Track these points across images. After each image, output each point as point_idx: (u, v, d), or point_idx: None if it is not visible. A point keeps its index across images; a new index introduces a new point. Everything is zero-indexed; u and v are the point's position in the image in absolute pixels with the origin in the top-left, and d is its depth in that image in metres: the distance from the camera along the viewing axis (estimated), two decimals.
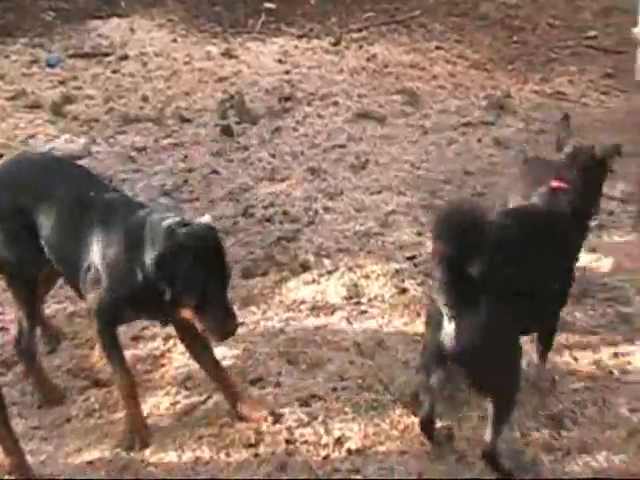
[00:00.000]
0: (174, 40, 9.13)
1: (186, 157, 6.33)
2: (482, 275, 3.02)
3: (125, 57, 8.58)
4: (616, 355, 4.11)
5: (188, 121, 7.01)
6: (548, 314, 3.77)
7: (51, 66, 8.32)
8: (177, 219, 3.42)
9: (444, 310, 3.08)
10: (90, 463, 3.46)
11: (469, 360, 3.17)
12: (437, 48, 8.99)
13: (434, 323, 3.18)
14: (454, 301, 3.05)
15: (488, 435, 3.30)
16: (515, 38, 9.48)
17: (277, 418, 3.63)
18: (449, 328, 3.10)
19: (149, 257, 3.35)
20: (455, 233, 3.01)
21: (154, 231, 3.39)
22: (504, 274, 3.13)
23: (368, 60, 8.52)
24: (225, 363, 3.99)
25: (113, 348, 3.60)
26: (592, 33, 9.55)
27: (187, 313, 3.38)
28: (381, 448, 3.50)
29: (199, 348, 3.72)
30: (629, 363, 4.07)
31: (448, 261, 3.00)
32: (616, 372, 4.00)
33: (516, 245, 3.35)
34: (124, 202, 3.71)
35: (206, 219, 3.53)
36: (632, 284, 4.68)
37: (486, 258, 3.01)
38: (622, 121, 6.91)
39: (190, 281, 3.29)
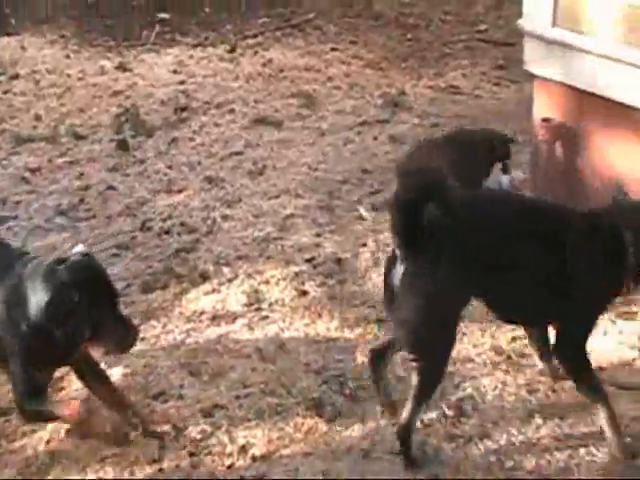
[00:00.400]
0: (67, 56, 8.99)
1: (82, 175, 6.24)
2: (431, 222, 3.06)
3: (16, 76, 8.41)
4: (514, 339, 4.20)
5: (83, 138, 6.91)
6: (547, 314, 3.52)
7: None
8: (52, 259, 3.46)
9: (397, 252, 3.14)
10: None
11: (400, 308, 3.19)
12: (332, 50, 9.06)
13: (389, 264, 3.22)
14: (404, 244, 3.10)
15: (406, 410, 3.33)
16: (409, 36, 9.62)
17: (180, 432, 3.60)
18: (398, 269, 3.15)
19: (36, 309, 3.34)
20: (414, 178, 3.13)
21: (33, 282, 3.39)
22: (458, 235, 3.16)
23: (264, 65, 8.54)
24: (126, 380, 3.97)
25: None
26: (483, 27, 9.78)
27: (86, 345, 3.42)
28: (285, 451, 3.51)
29: (96, 379, 3.69)
30: (526, 346, 4.16)
31: (403, 204, 3.07)
32: (514, 356, 4.09)
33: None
34: None
35: (79, 248, 3.58)
36: None
37: (439, 204, 3.06)
38: (513, 111, 7.05)
39: (83, 315, 3.32)
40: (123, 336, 3.46)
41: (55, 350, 3.46)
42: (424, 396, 3.36)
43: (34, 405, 3.54)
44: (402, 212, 3.08)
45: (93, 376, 3.69)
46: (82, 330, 3.37)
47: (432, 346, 3.30)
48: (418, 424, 3.58)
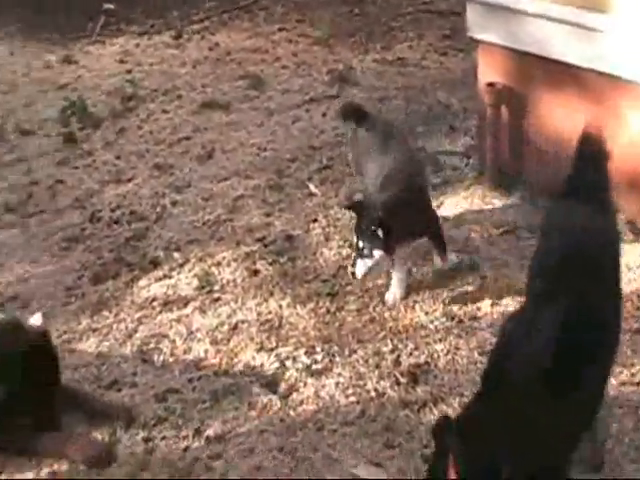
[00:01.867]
0: (11, 53, 8.83)
1: (29, 170, 6.15)
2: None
3: None
4: (466, 304, 4.23)
5: (30, 133, 6.81)
6: None
7: None
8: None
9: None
10: None
11: None
12: (279, 30, 8.98)
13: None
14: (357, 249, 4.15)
15: None
16: (356, 11, 9.55)
17: (132, 419, 3.59)
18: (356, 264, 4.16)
19: None
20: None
21: None
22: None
23: (210, 50, 8.45)
24: (79, 372, 3.96)
25: None
26: None
27: None
28: (240, 430, 3.52)
29: None
30: (478, 309, 4.20)
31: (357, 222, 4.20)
32: (466, 320, 4.13)
33: None
34: None
35: (37, 318, 3.66)
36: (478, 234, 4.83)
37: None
38: (460, 79, 7.06)
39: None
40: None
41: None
42: None
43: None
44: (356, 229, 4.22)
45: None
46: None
47: None
48: (372, 393, 3.63)
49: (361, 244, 4.12)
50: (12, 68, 8.39)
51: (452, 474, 2.63)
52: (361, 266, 4.15)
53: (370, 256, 4.11)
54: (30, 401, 3.49)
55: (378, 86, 7.25)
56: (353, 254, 4.30)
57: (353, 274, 4.24)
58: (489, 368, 2.92)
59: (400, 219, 4.14)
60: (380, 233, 4.07)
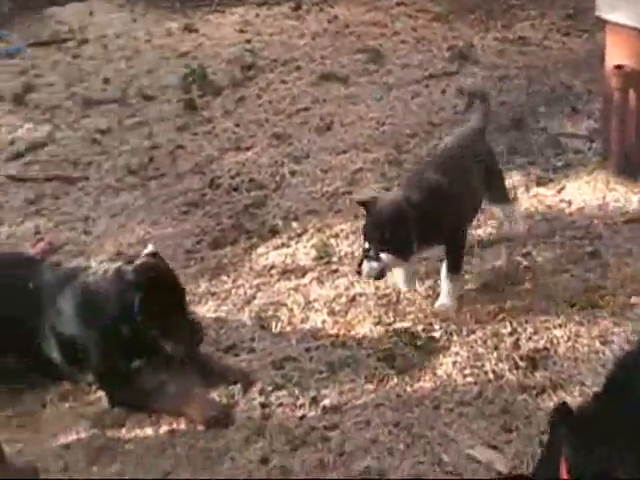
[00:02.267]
0: (134, 20, 9.05)
1: (151, 134, 6.29)
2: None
3: (85, 41, 8.52)
4: (586, 291, 4.12)
5: (151, 99, 6.96)
6: None
7: (10, 56, 8.25)
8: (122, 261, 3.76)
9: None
10: (67, 446, 3.46)
11: None
12: (398, 4, 8.89)
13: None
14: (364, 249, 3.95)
15: None
16: None
17: (250, 384, 3.64)
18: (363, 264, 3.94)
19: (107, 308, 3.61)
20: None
21: (102, 283, 3.65)
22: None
23: (329, 22, 8.45)
24: None
25: None
26: None
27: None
28: (357, 402, 3.51)
29: None
30: (600, 298, 4.08)
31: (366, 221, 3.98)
32: (588, 308, 4.01)
33: None
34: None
35: (149, 249, 3.76)
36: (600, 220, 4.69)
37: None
38: (584, 60, 6.87)
39: (148, 313, 3.53)
40: (188, 335, 3.64)
41: (129, 346, 3.66)
42: None
43: (123, 395, 3.66)
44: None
45: None
46: (149, 328, 3.56)
47: None
48: (490, 375, 3.58)
49: (367, 245, 3.91)
50: (134, 35, 8.58)
51: (564, 469, 2.57)
52: (366, 268, 3.93)
53: (376, 259, 3.88)
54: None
55: (499, 64, 7.13)
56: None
57: (359, 273, 4.03)
58: (616, 370, 2.82)
59: (414, 224, 3.88)
60: (388, 236, 3.82)
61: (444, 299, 4.05)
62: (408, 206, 3.90)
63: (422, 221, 3.88)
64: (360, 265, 3.97)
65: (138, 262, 3.68)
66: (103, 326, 3.63)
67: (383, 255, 3.85)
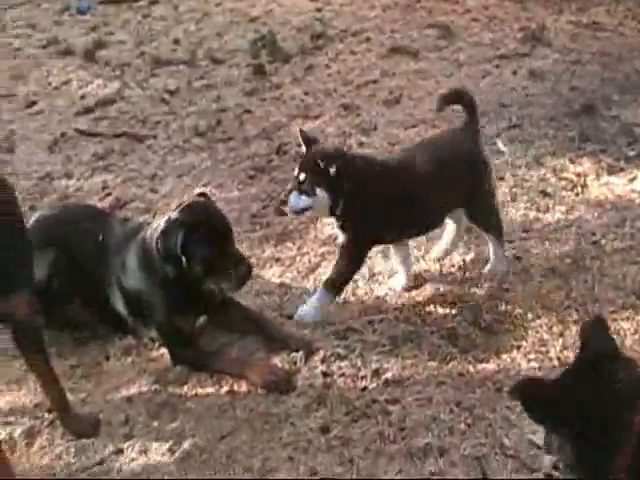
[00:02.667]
0: None
1: (219, 98, 6.29)
2: None
3: (156, 1, 8.53)
4: None
5: (220, 62, 6.95)
6: None
7: (82, 13, 8.30)
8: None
9: None
10: (129, 400, 3.51)
11: None
12: None
13: None
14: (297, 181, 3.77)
15: None
16: None
17: (311, 352, 3.64)
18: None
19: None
20: None
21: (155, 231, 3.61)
22: None
23: None
24: (261, 299, 4.03)
25: None
26: None
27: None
28: (419, 378, 3.50)
29: (243, 316, 3.87)
30: None
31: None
32: None
33: None
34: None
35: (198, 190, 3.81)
36: None
37: None
38: None
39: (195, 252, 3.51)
40: (238, 271, 3.58)
41: (191, 302, 3.66)
42: None
43: (185, 354, 3.68)
44: None
45: (239, 314, 3.84)
46: (195, 267, 3.52)
47: None
48: (555, 362, 3.54)
49: (302, 177, 3.74)
50: None
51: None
52: (293, 200, 3.79)
53: (311, 193, 3.73)
54: None
55: (572, 48, 7.00)
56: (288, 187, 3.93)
57: (280, 211, 3.94)
58: None
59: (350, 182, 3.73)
60: (332, 171, 3.66)
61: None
62: (353, 161, 3.83)
63: (354, 185, 3.74)
64: (287, 197, 3.90)
65: (186, 202, 3.69)
66: (162, 279, 3.62)
67: (318, 190, 3.71)
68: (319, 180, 3.70)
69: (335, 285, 3.87)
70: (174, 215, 3.56)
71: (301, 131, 4.01)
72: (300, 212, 3.86)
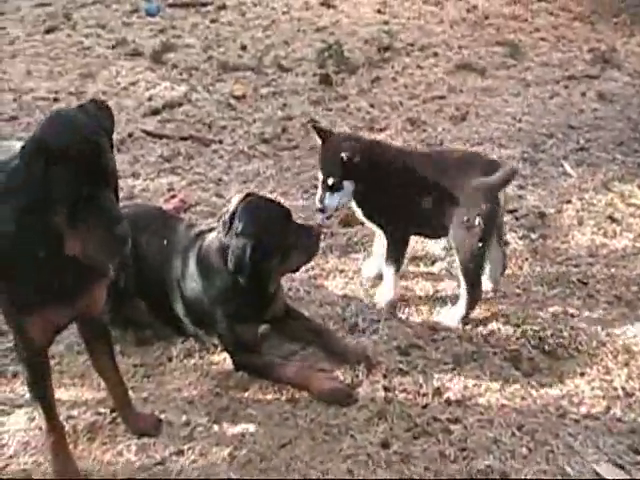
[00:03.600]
0: None
1: (285, 105, 6.32)
2: None
3: (223, 7, 8.62)
4: None
5: (287, 70, 6.99)
6: None
7: (151, 15, 8.41)
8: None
9: None
10: (190, 402, 3.52)
11: None
12: (539, 0, 8.74)
13: None
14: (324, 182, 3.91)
15: None
16: None
17: (372, 366, 3.63)
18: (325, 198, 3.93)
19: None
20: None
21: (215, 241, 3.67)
22: None
23: (468, 11, 8.36)
24: (324, 309, 4.03)
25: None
26: None
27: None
28: (481, 400, 3.47)
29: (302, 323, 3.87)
30: None
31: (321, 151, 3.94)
32: None
33: None
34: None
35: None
36: None
37: None
38: None
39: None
40: (307, 245, 3.68)
41: (251, 304, 3.67)
42: None
43: (247, 361, 3.69)
44: None
45: (301, 325, 3.86)
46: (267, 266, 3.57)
47: None
48: (619, 392, 3.48)
49: (331, 181, 3.86)
50: (272, 5, 8.63)
51: None
52: (332, 200, 3.92)
53: (338, 189, 3.87)
54: None
55: None
56: (319, 189, 3.97)
57: (322, 210, 3.96)
58: None
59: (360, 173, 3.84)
60: (356, 160, 3.77)
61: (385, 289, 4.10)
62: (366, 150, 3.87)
63: (364, 175, 3.85)
64: (322, 202, 3.95)
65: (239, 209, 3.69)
66: (224, 289, 3.65)
67: (346, 183, 3.85)
68: (344, 173, 3.83)
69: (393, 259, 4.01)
70: (239, 228, 3.54)
71: (314, 125, 4.16)
72: (334, 210, 4.04)
